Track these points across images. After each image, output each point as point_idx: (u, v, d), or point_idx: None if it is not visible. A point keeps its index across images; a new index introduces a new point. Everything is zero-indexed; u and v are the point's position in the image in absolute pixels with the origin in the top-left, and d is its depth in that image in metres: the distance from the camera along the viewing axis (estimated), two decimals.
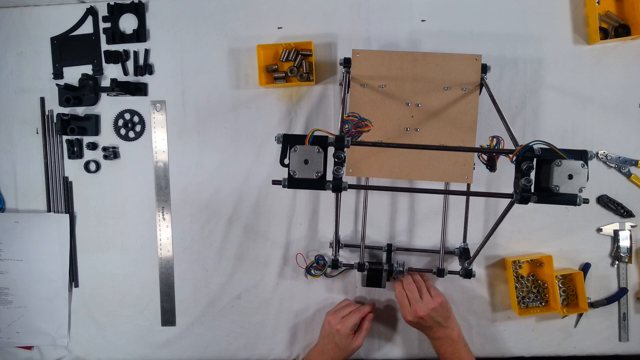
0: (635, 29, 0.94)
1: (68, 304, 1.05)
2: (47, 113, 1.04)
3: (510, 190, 0.64)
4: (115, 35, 1.02)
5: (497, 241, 1.00)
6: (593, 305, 0.99)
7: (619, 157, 0.98)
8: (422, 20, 0.99)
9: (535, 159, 0.61)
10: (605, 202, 0.98)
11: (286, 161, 0.64)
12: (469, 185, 0.91)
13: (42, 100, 1.04)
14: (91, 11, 1.02)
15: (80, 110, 1.03)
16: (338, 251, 0.96)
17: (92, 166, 1.04)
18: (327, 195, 1.01)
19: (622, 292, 0.99)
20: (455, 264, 1.00)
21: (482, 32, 0.98)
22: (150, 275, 1.04)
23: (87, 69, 1.03)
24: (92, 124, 1.02)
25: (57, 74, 1.03)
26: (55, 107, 1.03)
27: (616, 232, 0.99)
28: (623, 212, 0.98)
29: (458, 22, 0.98)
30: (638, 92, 0.98)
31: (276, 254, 1.03)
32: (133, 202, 1.04)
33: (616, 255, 0.99)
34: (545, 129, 0.98)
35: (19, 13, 1.03)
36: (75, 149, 1.03)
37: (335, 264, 0.94)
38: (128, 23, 1.02)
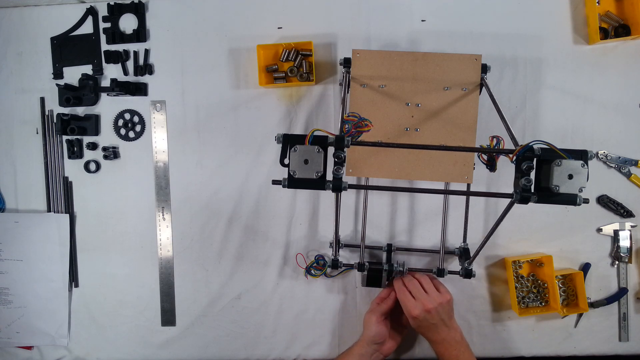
0: (635, 29, 0.94)
1: (68, 304, 1.05)
2: (47, 113, 1.03)
3: (510, 190, 0.64)
4: (115, 35, 1.02)
5: (497, 241, 1.00)
6: (593, 305, 0.99)
7: (619, 157, 0.98)
8: (422, 20, 0.99)
9: (535, 159, 0.61)
10: (605, 202, 0.98)
11: (286, 161, 0.64)
12: (469, 185, 0.91)
13: (42, 100, 1.03)
14: (91, 11, 1.02)
15: (80, 110, 1.03)
16: (338, 251, 0.96)
17: (92, 166, 1.04)
18: (327, 195, 1.01)
19: (622, 292, 0.99)
20: (455, 264, 1.00)
21: (482, 32, 0.98)
22: (150, 275, 1.04)
23: (87, 69, 1.03)
24: (92, 124, 1.02)
25: (57, 74, 1.03)
26: (55, 107, 1.03)
27: (616, 232, 0.99)
28: (623, 212, 0.98)
29: (458, 22, 0.98)
30: (638, 92, 0.98)
31: (276, 254, 1.03)
32: (133, 202, 1.04)
33: (616, 255, 0.99)
34: (545, 129, 0.98)
35: (19, 13, 1.03)
36: (75, 149, 1.03)
37: (335, 264, 0.94)
38: (128, 23, 1.02)
